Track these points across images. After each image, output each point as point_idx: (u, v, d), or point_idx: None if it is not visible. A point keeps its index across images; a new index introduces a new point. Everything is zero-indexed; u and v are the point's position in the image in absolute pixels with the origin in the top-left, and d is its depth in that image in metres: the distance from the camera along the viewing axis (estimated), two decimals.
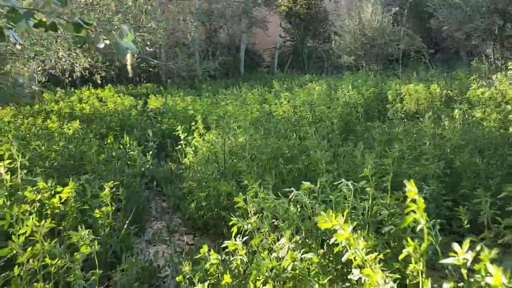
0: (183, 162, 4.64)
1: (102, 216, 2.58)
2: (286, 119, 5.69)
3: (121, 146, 5.28)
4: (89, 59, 12.07)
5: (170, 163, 5.20)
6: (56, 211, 2.48)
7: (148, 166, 4.76)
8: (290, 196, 2.12)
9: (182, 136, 4.72)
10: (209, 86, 14.49)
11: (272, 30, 23.80)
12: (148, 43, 11.50)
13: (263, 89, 11.55)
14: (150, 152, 5.13)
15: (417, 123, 5.91)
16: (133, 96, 13.20)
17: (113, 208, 2.96)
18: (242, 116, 5.51)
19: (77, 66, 12.38)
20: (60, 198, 2.53)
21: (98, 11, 10.61)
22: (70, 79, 12.96)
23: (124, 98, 11.82)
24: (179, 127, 4.76)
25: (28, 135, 4.74)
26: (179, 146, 4.90)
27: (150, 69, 15.05)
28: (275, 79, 17.30)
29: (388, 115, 7.20)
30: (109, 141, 5.48)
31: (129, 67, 13.02)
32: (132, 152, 4.60)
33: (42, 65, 12.01)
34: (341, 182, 2.12)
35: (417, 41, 15.82)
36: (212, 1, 22.25)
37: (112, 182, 2.68)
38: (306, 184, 2.19)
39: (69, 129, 5.39)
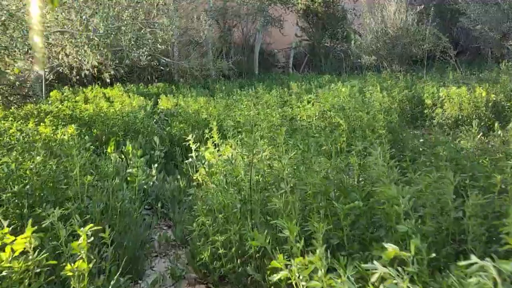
0: (195, 178, 3.80)
1: (74, 275, 1.75)
2: (315, 127, 4.82)
3: (123, 156, 4.46)
4: (98, 57, 11.30)
5: (179, 177, 4.35)
6: (4, 273, 1.65)
7: (152, 182, 3.94)
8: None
9: (193, 147, 3.87)
10: (223, 86, 13.65)
11: (287, 29, 22.92)
12: (160, 40, 10.71)
13: (281, 90, 10.67)
14: (156, 165, 4.30)
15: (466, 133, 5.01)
16: (143, 96, 12.41)
17: (97, 253, 2.13)
18: (265, 123, 4.64)
19: (85, 64, 11.63)
20: (13, 251, 1.71)
21: (107, 5, 9.83)
22: (77, 77, 12.21)
23: (133, 98, 11.05)
24: (190, 135, 3.91)
25: (10, 143, 3.94)
26: (190, 160, 4.07)
27: (162, 68, 14.23)
28: (292, 79, 16.45)
29: (428, 122, 6.30)
30: (109, 149, 4.66)
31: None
32: (131, 168, 3.76)
33: (48, 62, 11.28)
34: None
35: (443, 41, 14.80)
36: None
37: (92, 226, 1.83)
38: (390, 249, 1.32)
39: (64, 135, 4.58)
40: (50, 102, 9.82)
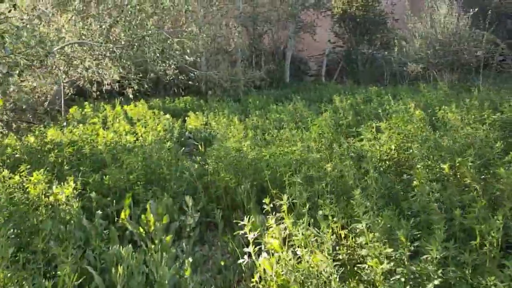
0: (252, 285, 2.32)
1: None
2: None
3: (140, 229, 3.04)
4: (120, 70, 9.99)
5: (224, 264, 2.88)
6: None
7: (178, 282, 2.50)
8: None
9: (250, 237, 2.42)
10: (256, 101, 12.17)
11: (320, 35, 21.33)
12: (188, 51, 9.31)
13: (327, 107, 9.13)
14: (186, 245, 2.85)
15: None
16: (169, 112, 11.09)
17: None
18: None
19: (106, 78, 10.35)
20: None
21: (130, 12, 8.49)
22: (98, 92, 10.96)
23: (158, 117, 9.71)
24: (245, 214, 2.43)
25: None
26: (244, 259, 2.61)
27: (190, 81, 12.85)
28: (331, 91, 14.87)
29: None
30: (122, 215, 3.23)
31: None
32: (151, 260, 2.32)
33: (65, 76, 10.05)
34: None
35: (501, 47, 13.01)
36: (256, 4, 20.00)
37: None
38: None
39: (58, 195, 3.19)
40: (65, 124, 8.54)
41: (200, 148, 7.07)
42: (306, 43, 21.55)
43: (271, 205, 2.97)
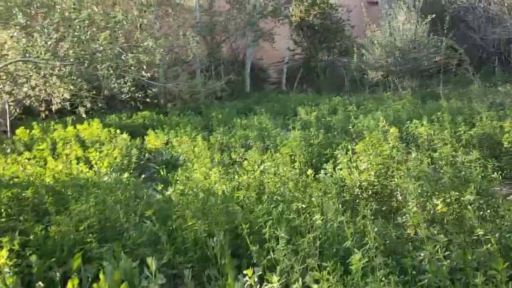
0: None
1: None
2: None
3: None
4: (71, 87, 9.22)
5: None
6: None
7: None
8: None
9: None
10: (219, 114, 11.61)
11: (279, 43, 21.05)
12: (145, 66, 8.67)
13: (294, 122, 8.71)
14: None
15: None
16: (127, 129, 10.36)
17: None
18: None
19: (55, 97, 9.54)
20: None
21: (78, 27, 7.76)
22: (47, 112, 10.11)
23: (114, 136, 8.99)
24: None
25: None
26: None
27: (147, 98, 12.11)
28: (292, 100, 14.54)
29: None
30: (70, 285, 2.63)
31: None
32: None
33: (8, 96, 9.17)
34: None
35: (459, 52, 13.09)
36: (214, 13, 19.48)
37: None
38: None
39: None
40: (9, 151, 7.70)
41: (162, 173, 6.45)
42: (265, 51, 21.23)
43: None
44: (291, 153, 5.89)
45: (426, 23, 13.39)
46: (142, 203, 3.94)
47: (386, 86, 14.84)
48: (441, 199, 3.15)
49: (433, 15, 13.35)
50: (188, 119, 11.66)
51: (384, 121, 7.19)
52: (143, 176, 6.31)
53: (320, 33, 17.94)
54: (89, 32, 7.60)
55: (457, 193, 3.09)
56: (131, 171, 6.75)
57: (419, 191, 3.20)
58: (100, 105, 9.02)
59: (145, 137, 9.56)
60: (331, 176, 4.49)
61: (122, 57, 8.16)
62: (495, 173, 3.30)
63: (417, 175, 3.58)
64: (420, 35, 13.33)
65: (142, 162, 7.60)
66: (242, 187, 4.38)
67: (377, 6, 24.53)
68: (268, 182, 4.29)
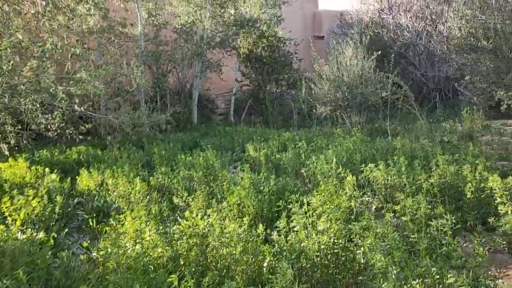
0: None
1: None
2: None
3: None
4: None
5: None
6: None
7: None
8: None
9: None
10: (162, 150, 10.76)
11: (227, 74, 20.61)
12: (77, 100, 7.76)
13: (243, 161, 8.06)
14: None
15: None
16: (59, 167, 9.29)
17: None
18: None
19: None
20: None
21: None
22: None
23: (42, 175, 7.92)
24: None
25: None
26: None
27: (85, 125, 11.09)
28: (239, 134, 13.94)
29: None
30: None
31: None
32: None
33: None
34: None
35: (404, 89, 13.13)
36: (160, 42, 18.75)
37: None
38: None
39: None
40: None
41: (91, 223, 5.55)
42: (214, 82, 20.66)
43: None
44: (239, 202, 5.21)
45: (372, 60, 13.36)
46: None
47: (334, 121, 14.64)
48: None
49: (379, 52, 13.37)
50: (128, 155, 10.69)
51: (338, 163, 6.71)
52: (65, 230, 5.37)
53: (268, 65, 17.64)
54: (11, 62, 6.62)
55: (439, 277, 2.52)
56: (54, 222, 5.79)
57: (395, 273, 2.59)
58: (25, 142, 7.91)
59: (77, 176, 8.54)
60: (286, 237, 3.85)
61: (51, 90, 7.21)
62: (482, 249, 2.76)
63: (388, 248, 2.99)
64: (367, 71, 13.26)
65: (69, 210, 6.61)
66: (180, 255, 3.62)
67: (323, 40, 24.93)
68: (212, 250, 3.55)
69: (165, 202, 6.75)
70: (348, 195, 4.93)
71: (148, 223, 4.68)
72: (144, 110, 13.48)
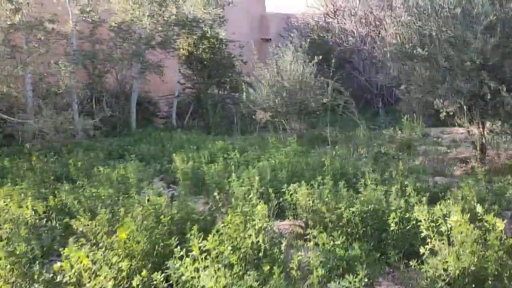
0: None
1: None
2: None
3: None
4: None
5: None
6: None
7: None
8: None
9: None
10: (81, 160, 9.58)
11: (169, 76, 19.49)
12: None
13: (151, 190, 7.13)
14: None
15: None
16: None
17: None
18: None
19: None
20: None
21: None
22: None
23: None
24: None
25: None
26: None
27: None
28: (175, 140, 12.97)
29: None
30: None
31: None
32: None
33: None
34: None
35: (345, 95, 12.63)
36: (96, 41, 17.40)
37: None
38: None
39: None
40: None
41: None
42: (156, 84, 19.43)
43: None
44: (129, 236, 4.30)
45: (313, 64, 12.76)
46: None
47: (275, 127, 13.98)
48: None
49: (320, 57, 12.79)
50: (41, 166, 9.46)
51: (259, 183, 5.93)
52: None
53: (210, 68, 16.72)
54: None
55: None
56: None
57: None
58: None
59: None
60: None
61: None
62: None
63: None
64: (307, 76, 12.65)
65: None
66: None
67: (270, 43, 24.31)
68: None
69: (57, 228, 5.74)
70: (257, 227, 4.14)
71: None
72: (69, 114, 12.15)
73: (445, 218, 3.93)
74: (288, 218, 5.59)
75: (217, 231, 4.22)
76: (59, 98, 15.17)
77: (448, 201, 4.61)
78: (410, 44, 7.87)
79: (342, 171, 6.47)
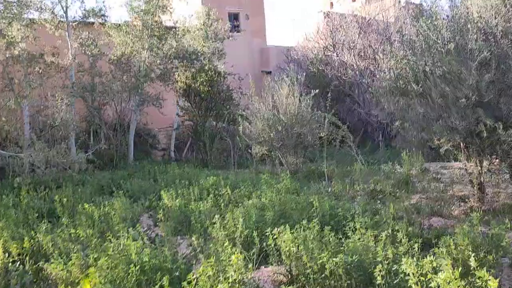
0: None
1: None
2: None
3: None
4: None
5: None
6: None
7: None
8: None
9: None
10: (65, 198, 9.25)
11: (170, 108, 19.42)
12: None
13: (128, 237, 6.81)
14: None
15: None
16: None
17: None
18: None
19: None
20: None
21: None
22: None
23: None
24: None
25: None
26: None
27: None
28: (168, 174, 12.68)
29: None
30: None
31: None
32: None
33: None
34: None
35: (342, 129, 12.39)
36: (96, 73, 17.42)
37: None
38: None
39: None
40: None
41: None
42: (156, 116, 19.32)
43: None
44: None
45: (310, 98, 12.57)
46: None
47: (272, 161, 13.72)
48: None
49: (317, 90, 12.62)
50: (27, 202, 9.18)
51: (244, 225, 5.61)
52: None
53: (207, 101, 16.61)
54: None
55: None
56: None
57: None
58: None
59: None
60: None
61: None
62: None
63: None
64: (304, 109, 12.44)
65: None
66: None
67: (271, 76, 24.33)
68: None
69: (28, 273, 5.40)
70: (231, 280, 3.80)
71: None
72: (61, 148, 11.93)
73: (436, 271, 3.59)
74: (272, 264, 5.23)
75: (189, 283, 3.91)
76: (56, 131, 15.08)
77: (441, 249, 4.27)
78: (404, 80, 7.65)
79: (331, 213, 6.13)
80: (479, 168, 7.40)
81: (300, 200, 7.09)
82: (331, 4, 35.48)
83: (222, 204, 8.17)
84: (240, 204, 8.01)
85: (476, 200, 7.53)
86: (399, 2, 23.54)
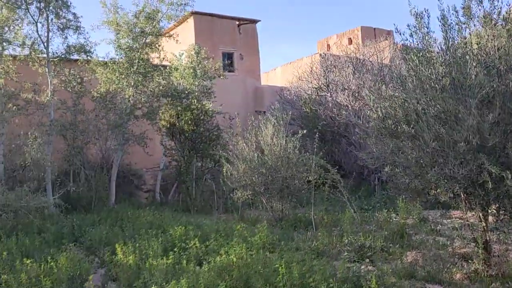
0: None
1: None
2: None
3: None
4: None
5: None
6: None
7: None
8: None
9: None
10: (3, 251, 7.98)
11: (157, 147, 18.40)
12: None
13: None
14: None
15: None
16: None
17: None
18: None
19: None
20: None
21: None
22: None
23: None
24: None
25: None
26: None
27: None
28: (142, 221, 11.43)
29: None
30: None
31: None
32: None
33: None
34: None
35: (332, 173, 11.23)
36: (79, 111, 16.50)
37: None
38: None
39: None
40: None
41: None
42: (142, 155, 18.21)
43: None
44: None
45: (297, 139, 11.50)
46: None
47: (257, 206, 12.52)
48: None
49: (305, 131, 11.57)
50: None
51: None
52: None
53: (192, 140, 15.56)
54: None
55: None
56: None
57: None
58: None
59: None
60: None
61: None
62: None
63: None
64: (291, 151, 11.34)
65: None
66: None
67: (264, 115, 23.41)
68: None
69: None
70: None
71: None
72: (20, 192, 10.76)
73: None
74: None
75: None
76: (28, 171, 13.99)
77: None
78: (393, 120, 6.58)
79: (302, 282, 4.88)
80: (484, 224, 6.18)
81: (270, 261, 5.84)
82: (328, 46, 35.19)
83: (185, 261, 6.93)
84: (204, 262, 6.79)
85: (481, 262, 6.26)
86: (395, 43, 22.93)
